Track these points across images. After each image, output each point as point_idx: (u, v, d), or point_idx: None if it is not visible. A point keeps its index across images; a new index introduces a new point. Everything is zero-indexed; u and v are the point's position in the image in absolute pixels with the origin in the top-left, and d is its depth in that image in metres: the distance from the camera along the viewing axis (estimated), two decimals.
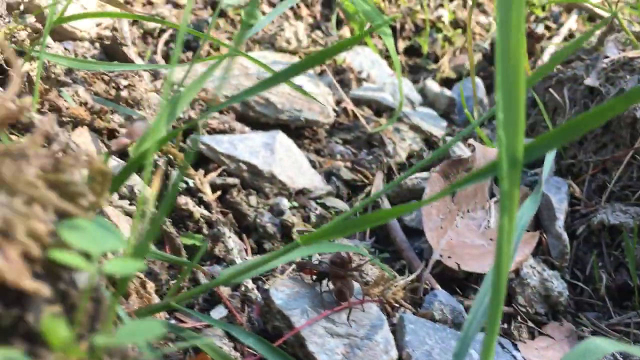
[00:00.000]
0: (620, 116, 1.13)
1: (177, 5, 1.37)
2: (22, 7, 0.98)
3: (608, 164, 1.15)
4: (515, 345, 0.93)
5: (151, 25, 1.29)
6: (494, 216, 1.10)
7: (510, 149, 0.55)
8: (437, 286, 0.96)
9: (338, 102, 1.33)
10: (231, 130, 1.12)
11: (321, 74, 1.42)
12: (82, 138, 0.82)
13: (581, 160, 1.19)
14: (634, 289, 1.01)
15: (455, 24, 1.76)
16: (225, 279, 0.64)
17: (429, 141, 1.34)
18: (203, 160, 1.05)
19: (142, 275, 0.74)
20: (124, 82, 1.01)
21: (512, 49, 0.55)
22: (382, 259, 0.99)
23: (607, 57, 1.27)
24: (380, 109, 1.38)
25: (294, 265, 0.93)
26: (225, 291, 0.87)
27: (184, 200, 0.94)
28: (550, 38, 1.72)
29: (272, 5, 1.54)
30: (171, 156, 0.94)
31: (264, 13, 1.50)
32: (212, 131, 1.11)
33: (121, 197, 0.83)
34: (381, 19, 1.27)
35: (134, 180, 0.85)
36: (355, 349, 0.80)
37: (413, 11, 1.70)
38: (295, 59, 1.38)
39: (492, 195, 1.15)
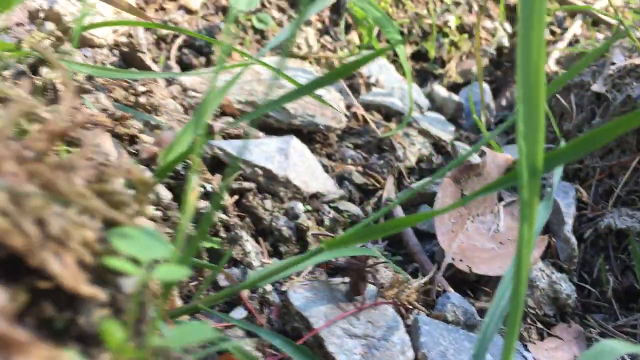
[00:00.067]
0: None
1: (189, 11, 1.39)
2: (42, 15, 1.00)
3: (614, 169, 1.17)
4: (525, 346, 0.96)
5: (164, 31, 1.31)
6: (503, 220, 1.13)
7: (530, 158, 0.57)
8: (450, 288, 0.98)
9: (348, 107, 1.36)
10: (245, 135, 1.15)
11: None
12: (106, 144, 0.84)
13: (588, 165, 1.22)
14: None
15: (462, 28, 1.78)
16: (251, 282, 0.66)
17: (437, 145, 1.37)
18: (219, 165, 1.07)
19: None
20: (142, 88, 1.03)
21: (533, 63, 0.57)
22: (395, 261, 1.01)
23: (613, 63, 1.30)
24: (389, 114, 1.40)
25: (310, 267, 0.95)
26: (244, 293, 0.89)
27: (203, 205, 0.96)
28: (554, 43, 1.74)
29: (282, 10, 1.56)
30: (190, 161, 0.96)
31: (273, 18, 1.52)
32: (227, 136, 1.13)
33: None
34: (392, 26, 1.29)
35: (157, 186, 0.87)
36: (373, 349, 0.82)
37: (420, 16, 1.73)
38: (306, 65, 1.40)
39: (500, 199, 1.17)
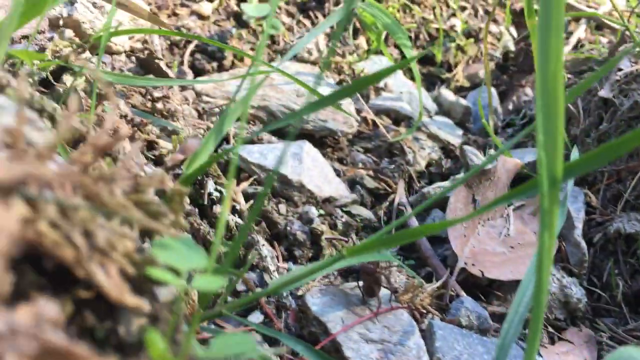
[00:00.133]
0: (634, 127, 1.17)
1: (201, 17, 1.40)
2: (61, 22, 1.02)
3: (622, 174, 1.19)
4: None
5: (177, 36, 1.32)
6: (513, 224, 1.14)
7: (550, 168, 0.59)
8: (463, 293, 0.99)
9: (358, 112, 1.37)
10: (259, 140, 1.16)
11: (340, 83, 1.46)
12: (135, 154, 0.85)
13: (596, 170, 1.23)
14: None
15: (468, 33, 1.80)
16: (274, 288, 0.67)
17: (446, 149, 1.38)
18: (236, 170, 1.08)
19: None
20: (158, 94, 1.04)
21: (551, 74, 0.58)
22: (408, 265, 1.03)
23: (620, 69, 1.31)
24: (398, 118, 1.41)
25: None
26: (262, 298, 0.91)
27: (220, 209, 0.97)
28: None
29: (291, 15, 1.57)
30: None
31: (283, 23, 1.54)
32: (242, 141, 1.15)
33: None
34: (401, 31, 1.31)
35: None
36: (389, 354, 0.83)
37: (427, 21, 1.74)
38: (316, 70, 1.41)
39: (509, 203, 1.19)
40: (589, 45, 1.76)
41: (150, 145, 0.95)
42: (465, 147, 1.31)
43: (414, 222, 1.10)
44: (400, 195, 1.17)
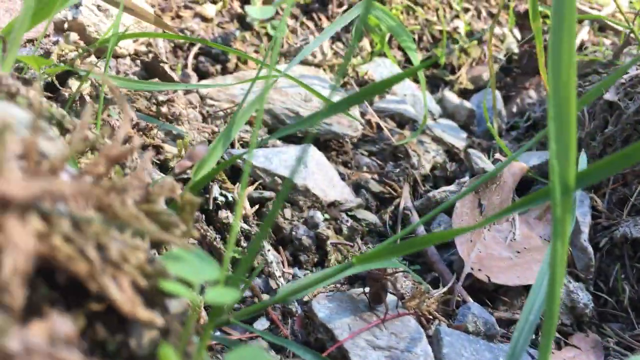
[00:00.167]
0: None
1: (205, 19, 1.40)
2: (66, 25, 1.01)
3: (628, 178, 1.18)
4: None
5: None
6: (519, 228, 1.14)
7: (563, 177, 0.58)
8: (469, 298, 0.99)
9: (362, 114, 1.36)
10: (263, 144, 1.15)
11: (344, 85, 1.46)
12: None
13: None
14: None
15: (471, 34, 1.79)
16: (283, 296, 0.67)
17: (451, 152, 1.38)
18: (239, 174, 1.07)
19: None
20: (162, 98, 1.04)
21: (563, 83, 0.58)
22: (414, 270, 1.02)
23: (626, 72, 1.31)
24: (402, 121, 1.41)
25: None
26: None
27: (225, 214, 0.97)
28: None
29: (294, 17, 1.57)
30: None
31: (287, 25, 1.53)
32: (245, 145, 1.14)
33: None
34: (406, 34, 1.30)
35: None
36: None
37: (430, 22, 1.74)
38: (320, 72, 1.41)
39: None
40: (592, 47, 1.75)
41: (156, 149, 0.95)
42: (470, 150, 1.30)
43: (421, 229, 1.10)
44: (405, 200, 1.16)
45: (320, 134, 1.22)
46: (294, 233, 1.03)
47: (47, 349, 0.32)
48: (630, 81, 1.29)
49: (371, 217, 1.13)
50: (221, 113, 1.16)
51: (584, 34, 1.82)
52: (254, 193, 1.05)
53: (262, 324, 0.90)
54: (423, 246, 0.78)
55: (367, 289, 0.90)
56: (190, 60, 1.31)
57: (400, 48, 1.67)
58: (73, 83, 0.88)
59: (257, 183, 1.06)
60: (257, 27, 1.44)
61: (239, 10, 1.46)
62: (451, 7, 1.81)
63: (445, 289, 0.99)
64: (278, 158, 1.10)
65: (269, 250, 0.97)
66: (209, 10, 1.40)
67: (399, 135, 1.34)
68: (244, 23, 1.45)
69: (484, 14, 1.88)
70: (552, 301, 0.58)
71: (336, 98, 1.30)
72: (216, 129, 1.11)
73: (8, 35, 0.80)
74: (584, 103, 0.69)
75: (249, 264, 0.49)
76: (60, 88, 0.85)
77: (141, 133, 0.91)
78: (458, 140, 1.40)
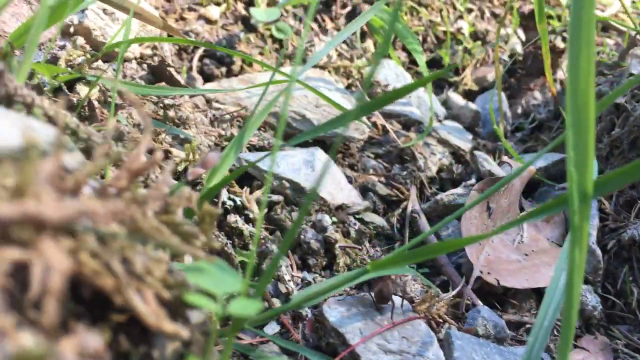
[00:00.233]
0: None
1: (209, 21, 1.39)
2: (72, 30, 1.00)
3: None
4: (553, 358, 0.97)
5: None
6: (526, 231, 1.14)
7: (581, 185, 0.58)
8: (479, 302, 0.99)
9: (368, 117, 1.36)
10: (270, 147, 1.15)
11: (349, 87, 1.45)
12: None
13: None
14: None
15: (475, 35, 1.79)
16: (298, 302, 0.67)
17: (457, 154, 1.38)
18: (247, 177, 1.07)
19: None
20: (169, 102, 1.03)
21: (582, 90, 0.58)
22: (422, 273, 1.02)
23: (631, 74, 1.31)
24: (408, 123, 1.41)
25: None
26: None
27: (234, 218, 0.96)
28: (563, 51, 1.75)
29: (298, 19, 1.56)
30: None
31: (290, 26, 1.52)
32: (252, 148, 1.14)
33: None
34: (412, 36, 1.30)
35: None
36: None
37: (434, 23, 1.73)
38: (326, 74, 1.41)
39: (522, 209, 1.18)
40: (596, 48, 1.75)
41: (165, 154, 0.94)
42: (476, 152, 1.30)
43: (432, 237, 1.09)
44: (413, 202, 1.16)
45: (327, 137, 1.22)
46: (302, 237, 1.03)
47: None
48: (637, 83, 1.29)
49: (379, 220, 1.13)
50: (227, 116, 1.16)
51: None
52: (262, 197, 1.05)
53: (272, 328, 0.90)
54: (437, 254, 0.78)
55: (372, 293, 0.90)
56: (195, 62, 1.30)
57: (404, 49, 1.67)
58: (81, 88, 0.87)
59: (265, 187, 1.06)
60: (261, 29, 1.44)
61: (243, 12, 1.45)
62: (455, 8, 1.81)
63: (454, 292, 0.98)
64: (285, 162, 1.10)
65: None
66: (213, 12, 1.40)
67: (405, 138, 1.34)
68: (248, 25, 1.45)
69: (487, 14, 1.87)
70: (570, 308, 0.58)
71: (344, 102, 1.29)
72: (223, 132, 1.11)
73: (16, 41, 0.80)
74: (599, 110, 0.69)
75: (268, 281, 0.49)
76: (69, 93, 0.84)
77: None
78: (464, 142, 1.40)
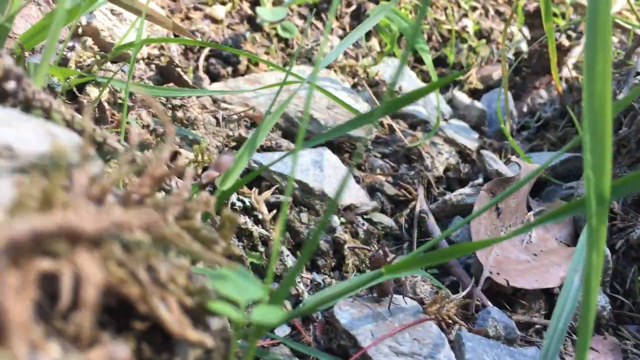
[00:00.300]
0: None
1: (214, 21, 1.39)
2: (80, 30, 1.00)
3: None
4: (562, 359, 0.97)
5: None
6: (535, 231, 1.14)
7: (598, 188, 0.58)
8: (488, 303, 0.99)
9: None
10: (277, 147, 1.15)
11: (354, 86, 1.45)
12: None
13: (615, 174, 1.22)
14: None
15: (479, 34, 1.79)
16: (311, 306, 0.66)
17: (463, 154, 1.37)
18: (256, 178, 1.07)
19: None
20: (177, 102, 1.03)
21: (598, 93, 0.58)
22: (431, 274, 1.02)
23: (638, 73, 1.30)
24: (414, 122, 1.41)
25: None
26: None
27: (243, 220, 0.96)
28: (570, 48, 1.74)
29: (303, 17, 1.56)
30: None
31: (296, 25, 1.52)
32: (260, 148, 1.14)
33: None
34: (420, 37, 1.29)
35: None
36: None
37: (439, 22, 1.73)
38: (332, 73, 1.40)
39: (529, 208, 1.18)
40: None
41: (174, 155, 0.94)
42: (483, 151, 1.30)
43: (437, 232, 1.09)
44: (421, 202, 1.16)
45: (334, 137, 1.21)
46: (311, 237, 1.02)
47: None
48: None
49: (387, 221, 1.13)
50: (235, 116, 1.15)
51: None
52: (271, 198, 1.05)
53: (283, 330, 0.90)
54: (450, 258, 0.78)
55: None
56: (202, 62, 1.30)
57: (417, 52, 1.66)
58: (91, 90, 0.87)
59: (274, 188, 1.06)
60: (267, 28, 1.44)
61: (249, 11, 1.45)
62: (459, 6, 1.81)
63: (464, 293, 0.98)
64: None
65: (287, 255, 0.97)
66: (219, 11, 1.39)
67: (412, 137, 1.34)
68: (253, 24, 1.44)
69: (491, 12, 1.87)
70: (588, 311, 0.58)
71: (351, 101, 1.29)
72: (231, 133, 1.11)
73: (27, 43, 0.79)
74: (615, 112, 0.69)
75: (287, 291, 0.49)
76: (79, 95, 0.84)
77: (159, 139, 0.91)
78: (470, 141, 1.40)
